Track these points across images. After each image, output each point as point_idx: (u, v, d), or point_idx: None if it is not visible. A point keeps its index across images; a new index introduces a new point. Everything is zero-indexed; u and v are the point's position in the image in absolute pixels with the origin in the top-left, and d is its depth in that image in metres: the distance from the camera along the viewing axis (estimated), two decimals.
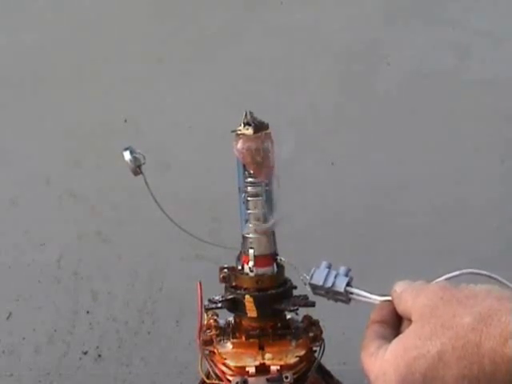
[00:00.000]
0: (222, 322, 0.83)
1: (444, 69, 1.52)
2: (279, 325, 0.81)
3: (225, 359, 0.78)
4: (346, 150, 1.53)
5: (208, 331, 0.81)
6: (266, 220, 0.79)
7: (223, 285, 0.82)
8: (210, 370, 0.79)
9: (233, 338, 0.81)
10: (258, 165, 0.77)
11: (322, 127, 1.53)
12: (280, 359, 0.77)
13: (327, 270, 0.69)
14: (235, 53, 1.51)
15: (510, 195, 1.54)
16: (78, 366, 1.61)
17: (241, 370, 0.76)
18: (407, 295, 0.58)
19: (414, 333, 0.54)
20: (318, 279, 0.69)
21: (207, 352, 0.80)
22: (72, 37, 1.51)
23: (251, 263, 0.79)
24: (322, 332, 0.81)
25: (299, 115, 1.52)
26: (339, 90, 1.53)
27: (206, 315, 0.82)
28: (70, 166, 1.54)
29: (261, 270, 0.79)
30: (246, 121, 0.78)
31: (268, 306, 0.79)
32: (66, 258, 1.57)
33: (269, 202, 0.79)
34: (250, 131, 0.77)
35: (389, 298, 0.62)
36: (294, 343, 0.80)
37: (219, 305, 0.81)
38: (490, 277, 0.61)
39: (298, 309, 0.80)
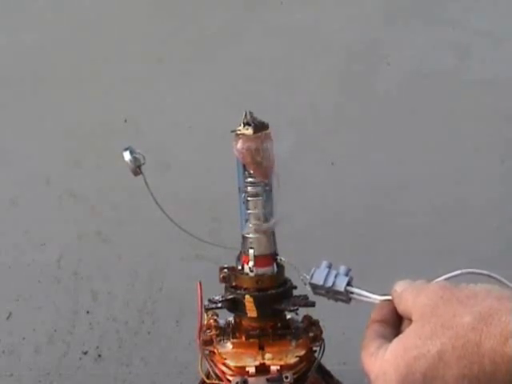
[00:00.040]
0: (222, 321, 0.83)
1: (444, 69, 1.52)
2: (279, 325, 0.81)
3: (225, 359, 0.78)
4: (346, 150, 1.53)
5: (208, 331, 0.81)
6: (266, 220, 0.79)
7: (223, 285, 0.82)
8: (210, 370, 0.79)
9: (233, 338, 0.81)
10: (258, 165, 0.77)
11: (322, 127, 1.53)
12: (280, 359, 0.77)
13: (327, 269, 0.69)
14: (235, 53, 1.51)
15: (510, 195, 1.54)
16: (78, 366, 1.61)
17: (241, 370, 0.76)
18: (407, 295, 0.58)
19: (415, 332, 0.54)
20: (319, 279, 0.69)
21: (207, 352, 0.80)
22: (72, 37, 1.51)
23: (251, 263, 0.79)
24: (321, 332, 0.81)
25: (299, 115, 1.52)
26: (339, 90, 1.53)
27: (205, 315, 0.82)
28: (69, 166, 1.54)
29: (261, 270, 0.79)
30: (245, 121, 0.78)
31: (268, 305, 0.79)
32: (65, 257, 1.57)
33: (269, 202, 0.79)
34: (249, 131, 0.77)
35: (389, 297, 0.62)
36: (293, 343, 0.80)
37: (219, 305, 0.81)
38: (490, 276, 0.61)
39: (297, 309, 0.80)
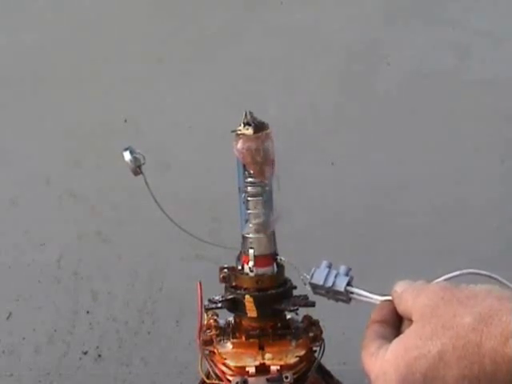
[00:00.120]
0: (222, 321, 0.83)
1: (444, 69, 1.52)
2: (279, 325, 0.81)
3: (225, 359, 0.78)
4: (346, 150, 1.53)
5: (208, 331, 0.81)
6: (266, 220, 0.79)
7: (223, 285, 0.82)
8: (210, 370, 0.79)
9: (233, 338, 0.81)
10: (258, 165, 0.77)
11: (322, 127, 1.53)
12: (280, 359, 0.77)
13: (327, 269, 0.69)
14: (235, 53, 1.51)
15: (510, 195, 1.54)
16: (78, 366, 1.61)
17: (241, 370, 0.76)
18: (408, 295, 0.58)
19: (415, 333, 0.54)
20: (319, 279, 0.69)
21: (207, 352, 0.80)
22: (72, 37, 1.51)
23: (251, 263, 0.79)
24: (321, 332, 0.81)
25: (299, 115, 1.52)
26: (339, 90, 1.53)
27: (205, 315, 0.82)
28: (69, 166, 1.54)
29: (261, 270, 0.79)
30: (246, 121, 0.78)
31: (268, 305, 0.79)
32: (65, 257, 1.57)
33: (269, 202, 0.79)
34: (249, 131, 0.77)
35: (389, 297, 0.61)
36: (293, 343, 0.80)
37: (219, 305, 0.81)
38: (490, 277, 0.61)
39: (298, 309, 0.80)
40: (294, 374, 0.76)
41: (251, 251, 0.79)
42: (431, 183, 1.53)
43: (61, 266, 1.57)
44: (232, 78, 1.51)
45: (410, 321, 0.56)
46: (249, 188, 0.79)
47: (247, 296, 0.78)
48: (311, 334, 0.80)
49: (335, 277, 0.68)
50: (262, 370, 0.76)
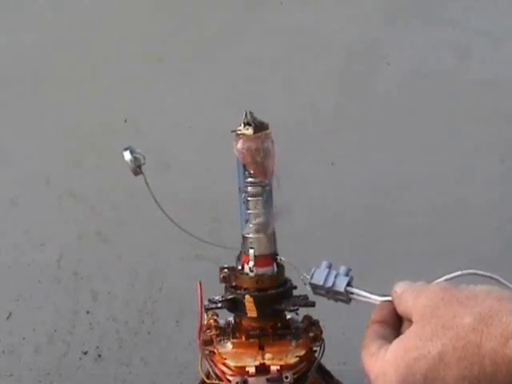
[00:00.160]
0: (222, 321, 0.83)
1: (444, 69, 1.52)
2: (279, 325, 0.81)
3: (225, 359, 0.78)
4: (346, 150, 1.53)
5: (208, 331, 0.81)
6: (266, 220, 0.79)
7: (223, 285, 0.82)
8: (210, 370, 0.79)
9: (233, 338, 0.81)
10: (258, 165, 0.77)
11: (322, 127, 1.53)
12: (280, 359, 0.77)
13: (327, 269, 0.69)
14: (235, 53, 1.51)
15: (510, 195, 1.54)
16: (78, 365, 1.61)
17: (241, 370, 0.76)
18: (408, 296, 0.58)
19: (415, 333, 0.54)
20: (319, 279, 0.69)
21: (207, 352, 0.80)
22: (72, 37, 1.51)
23: (251, 263, 0.79)
24: (321, 332, 0.81)
25: (299, 115, 1.52)
26: (339, 90, 1.53)
27: (205, 315, 0.82)
28: (69, 166, 1.54)
29: (261, 270, 0.79)
30: (246, 121, 0.78)
31: (268, 305, 0.79)
32: (65, 257, 1.57)
33: (269, 201, 0.79)
34: (250, 131, 0.77)
35: (389, 298, 0.61)
36: (293, 343, 0.80)
37: (219, 305, 0.81)
38: (490, 277, 0.61)
39: (298, 309, 0.80)
40: (294, 374, 0.76)
41: (251, 251, 0.79)
42: (431, 183, 1.53)
43: (61, 266, 1.57)
44: (232, 78, 1.51)
45: (410, 321, 0.56)
46: (249, 188, 0.79)
47: (247, 296, 0.78)
48: (311, 334, 0.80)
49: (335, 277, 0.68)
50: (262, 370, 0.76)
